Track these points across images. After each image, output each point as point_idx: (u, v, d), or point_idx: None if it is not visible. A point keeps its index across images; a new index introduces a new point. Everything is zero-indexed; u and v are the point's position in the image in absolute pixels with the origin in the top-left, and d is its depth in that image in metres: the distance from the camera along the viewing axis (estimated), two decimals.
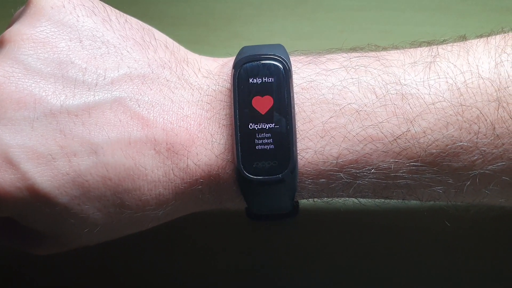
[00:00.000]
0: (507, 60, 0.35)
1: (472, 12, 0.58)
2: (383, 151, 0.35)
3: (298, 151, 0.36)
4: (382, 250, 0.49)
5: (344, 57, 0.38)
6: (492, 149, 0.35)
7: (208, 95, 0.37)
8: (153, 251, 0.50)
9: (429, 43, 0.39)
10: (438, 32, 0.55)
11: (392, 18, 0.59)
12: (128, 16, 0.39)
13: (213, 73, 0.38)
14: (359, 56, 0.38)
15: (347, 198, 0.39)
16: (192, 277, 0.50)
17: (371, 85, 0.36)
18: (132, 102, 0.35)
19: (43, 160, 0.33)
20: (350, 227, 0.49)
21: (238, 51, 0.38)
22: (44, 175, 0.33)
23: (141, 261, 0.50)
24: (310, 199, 0.39)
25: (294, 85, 0.36)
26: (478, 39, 0.38)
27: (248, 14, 0.60)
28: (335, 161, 0.35)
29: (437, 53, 0.37)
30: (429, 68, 0.36)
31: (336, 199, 0.39)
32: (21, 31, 0.35)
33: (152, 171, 0.35)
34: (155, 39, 0.38)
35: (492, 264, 0.49)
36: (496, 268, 0.49)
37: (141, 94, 0.35)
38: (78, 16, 0.37)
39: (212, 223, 0.50)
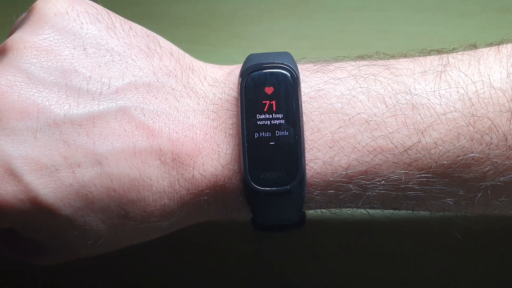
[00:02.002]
0: None
1: (472, 12, 0.58)
2: (393, 162, 0.35)
3: (306, 162, 0.35)
4: (388, 257, 0.49)
5: (352, 65, 0.37)
6: (504, 160, 0.35)
7: (214, 104, 0.36)
8: (153, 250, 0.50)
9: (438, 52, 0.38)
10: (438, 32, 0.55)
11: (392, 18, 0.58)
12: (133, 23, 0.38)
13: (219, 81, 0.38)
14: (368, 65, 0.37)
15: (355, 209, 0.38)
16: (193, 277, 0.50)
17: (380, 94, 0.35)
18: (137, 111, 0.34)
19: (46, 171, 0.33)
20: (357, 235, 0.49)
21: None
22: (47, 187, 0.33)
23: (141, 260, 0.50)
24: (317, 210, 0.38)
25: (302, 94, 0.36)
26: (488, 48, 0.37)
27: (248, 14, 0.59)
28: (344, 172, 0.35)
29: (447, 62, 0.36)
30: (440, 78, 0.35)
31: (344, 210, 0.38)
32: (24, 39, 0.35)
33: (157, 182, 0.34)
34: (160, 46, 0.38)
35: (501, 270, 0.49)
36: (505, 274, 0.49)
37: (146, 103, 0.35)
38: (82, 23, 0.36)
39: (215, 226, 0.49)
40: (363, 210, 0.38)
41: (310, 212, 0.40)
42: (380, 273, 0.49)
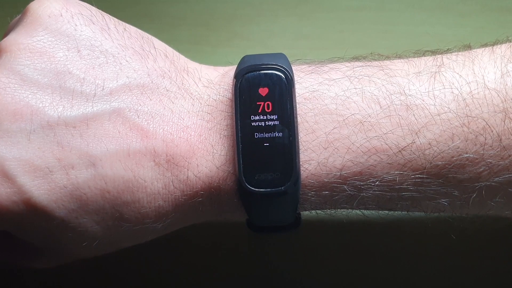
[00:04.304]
0: None
1: (472, 12, 0.58)
2: (387, 163, 0.35)
3: (301, 163, 0.35)
4: (383, 258, 0.49)
5: (347, 66, 0.37)
6: (499, 161, 0.34)
7: (208, 105, 0.36)
8: (150, 250, 0.50)
9: (433, 52, 0.38)
10: (438, 32, 0.55)
11: (392, 18, 0.58)
12: (127, 25, 0.38)
13: (213, 82, 0.38)
14: (362, 66, 0.37)
15: (351, 210, 0.38)
16: (189, 278, 0.50)
17: (375, 95, 0.35)
18: (131, 113, 0.34)
19: (40, 173, 0.33)
20: (353, 236, 0.49)
21: (238, 51, 0.38)
22: (41, 189, 0.33)
23: (139, 260, 0.50)
24: (312, 211, 0.38)
25: (297, 95, 0.36)
26: (483, 48, 0.37)
27: (248, 14, 0.59)
28: (339, 173, 0.35)
29: (441, 62, 0.36)
30: (434, 78, 0.35)
31: (339, 211, 0.38)
32: (18, 41, 0.35)
33: (151, 183, 0.34)
34: (155, 48, 0.38)
35: (497, 270, 0.49)
36: (501, 274, 0.49)
37: (140, 105, 0.35)
38: (76, 25, 0.36)
39: (212, 227, 0.49)
40: (358, 211, 0.38)
41: (305, 213, 0.40)
42: (376, 274, 0.49)
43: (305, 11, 0.59)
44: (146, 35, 0.39)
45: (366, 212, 0.38)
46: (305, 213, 0.40)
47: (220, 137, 0.36)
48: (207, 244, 0.50)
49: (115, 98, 0.35)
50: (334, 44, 0.58)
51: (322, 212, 0.38)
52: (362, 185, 0.35)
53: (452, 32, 0.57)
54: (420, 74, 0.36)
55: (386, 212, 0.38)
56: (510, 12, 0.58)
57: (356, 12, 0.59)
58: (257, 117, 0.35)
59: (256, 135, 0.35)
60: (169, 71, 0.37)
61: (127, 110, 0.34)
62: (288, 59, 0.37)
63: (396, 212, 0.38)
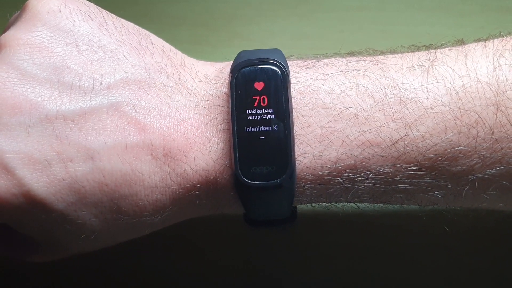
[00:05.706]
0: (505, 64, 0.35)
1: (472, 12, 0.58)
2: (381, 156, 0.35)
3: (296, 156, 0.35)
4: (381, 254, 0.49)
5: (341, 61, 0.37)
6: (491, 154, 0.35)
7: (205, 100, 0.37)
8: (150, 250, 0.50)
9: (427, 47, 0.38)
10: (438, 32, 0.55)
11: (392, 18, 0.59)
12: (125, 21, 0.39)
13: (210, 77, 0.38)
14: (357, 61, 0.37)
15: (346, 203, 0.38)
16: (188, 278, 0.50)
17: (369, 89, 0.36)
18: (129, 107, 0.35)
19: (39, 166, 0.33)
20: (348, 230, 0.49)
21: (238, 51, 0.38)
22: (40, 181, 0.33)
23: (138, 260, 0.50)
24: (308, 204, 0.39)
25: (292, 89, 0.36)
26: (476, 43, 0.38)
27: (248, 14, 0.60)
28: (334, 166, 0.35)
29: (435, 57, 0.37)
30: (427, 72, 0.36)
31: (335, 204, 0.38)
32: (17, 36, 0.35)
33: (149, 177, 0.35)
34: (152, 43, 0.38)
35: (492, 264, 0.49)
36: (496, 268, 0.49)
37: (137, 99, 0.35)
38: (74, 20, 0.36)
39: (211, 225, 0.50)
40: (353, 205, 0.39)
41: (301, 207, 0.40)
42: (372, 269, 0.49)
43: (305, 11, 0.59)
44: (143, 31, 0.39)
45: (361, 205, 0.39)
46: (300, 207, 0.40)
47: (217, 131, 0.36)
48: (204, 239, 0.50)
49: (113, 92, 0.35)
50: (334, 44, 0.58)
51: (317, 205, 0.39)
52: (357, 177, 0.36)
53: (452, 32, 0.57)
54: (414, 68, 0.36)
55: (381, 205, 0.39)
56: (510, 12, 0.58)
57: (356, 12, 0.59)
58: (253, 111, 0.35)
59: (252, 129, 0.35)
60: (166, 66, 0.37)
61: (125, 104, 0.35)
62: (284, 54, 0.38)
63: (391, 205, 0.38)
